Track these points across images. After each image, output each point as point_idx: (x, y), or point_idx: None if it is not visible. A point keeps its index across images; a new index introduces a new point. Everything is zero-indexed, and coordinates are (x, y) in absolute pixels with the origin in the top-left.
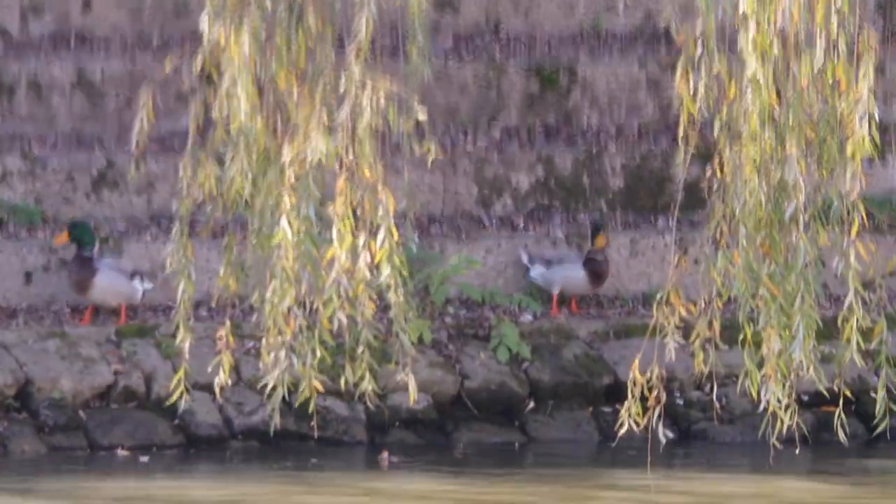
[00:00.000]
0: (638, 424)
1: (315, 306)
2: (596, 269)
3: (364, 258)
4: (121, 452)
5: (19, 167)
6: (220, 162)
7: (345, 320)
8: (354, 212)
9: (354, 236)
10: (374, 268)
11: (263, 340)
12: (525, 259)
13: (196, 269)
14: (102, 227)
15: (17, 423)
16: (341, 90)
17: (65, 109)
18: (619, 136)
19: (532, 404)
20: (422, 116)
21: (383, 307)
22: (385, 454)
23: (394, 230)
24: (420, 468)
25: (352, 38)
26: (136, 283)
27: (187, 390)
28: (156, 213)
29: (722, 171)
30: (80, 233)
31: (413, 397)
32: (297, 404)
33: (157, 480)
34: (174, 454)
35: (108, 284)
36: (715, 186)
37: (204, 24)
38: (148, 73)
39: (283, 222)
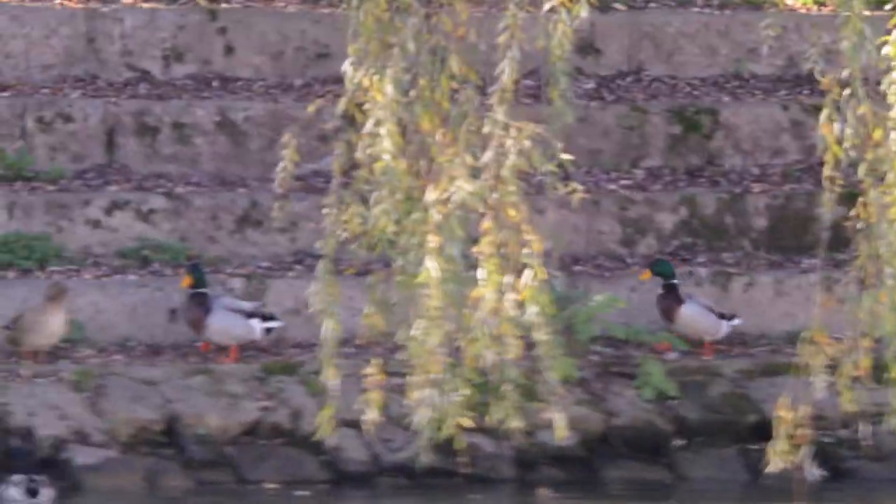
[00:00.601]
0: (786, 463)
1: (460, 344)
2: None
3: (510, 297)
4: (268, 486)
5: (164, 206)
6: (364, 202)
7: (493, 359)
8: (499, 251)
9: (500, 275)
10: (520, 306)
11: (409, 378)
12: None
13: (341, 307)
14: (246, 266)
15: (165, 458)
16: (485, 132)
17: (208, 150)
18: (763, 177)
19: (679, 442)
20: (566, 158)
21: (529, 345)
22: (544, 490)
23: (540, 270)
24: None
25: (495, 81)
26: (255, 322)
27: (334, 427)
28: (299, 251)
29: (867, 211)
30: (196, 273)
31: (561, 434)
32: (442, 441)
33: None
34: (323, 490)
35: (222, 325)
36: (860, 227)
37: (347, 67)
38: (290, 114)
39: (429, 262)
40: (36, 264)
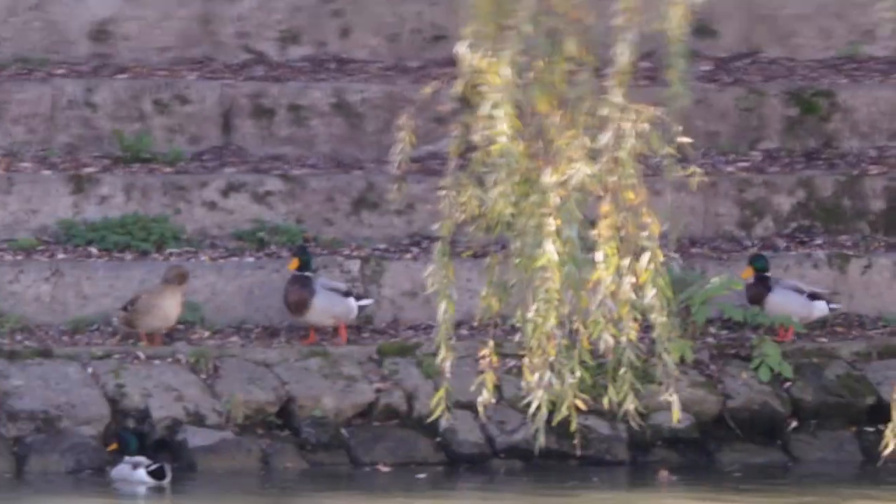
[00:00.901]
0: None
1: (576, 327)
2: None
3: (628, 280)
4: (382, 468)
5: (280, 188)
6: (481, 184)
7: (611, 342)
8: (618, 234)
9: (619, 258)
10: (639, 289)
11: (526, 360)
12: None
13: (457, 289)
14: (362, 248)
15: (280, 440)
16: (602, 115)
17: (324, 132)
18: (880, 159)
19: (794, 424)
20: (685, 140)
21: (645, 327)
22: (665, 472)
23: (658, 252)
24: (693, 487)
25: (611, 63)
26: (351, 301)
27: (449, 409)
28: (416, 233)
29: None
30: (304, 256)
31: (676, 416)
32: (555, 423)
33: (419, 498)
34: (437, 472)
35: (325, 304)
36: None
37: (463, 48)
38: (406, 96)
39: (548, 245)
40: (153, 246)
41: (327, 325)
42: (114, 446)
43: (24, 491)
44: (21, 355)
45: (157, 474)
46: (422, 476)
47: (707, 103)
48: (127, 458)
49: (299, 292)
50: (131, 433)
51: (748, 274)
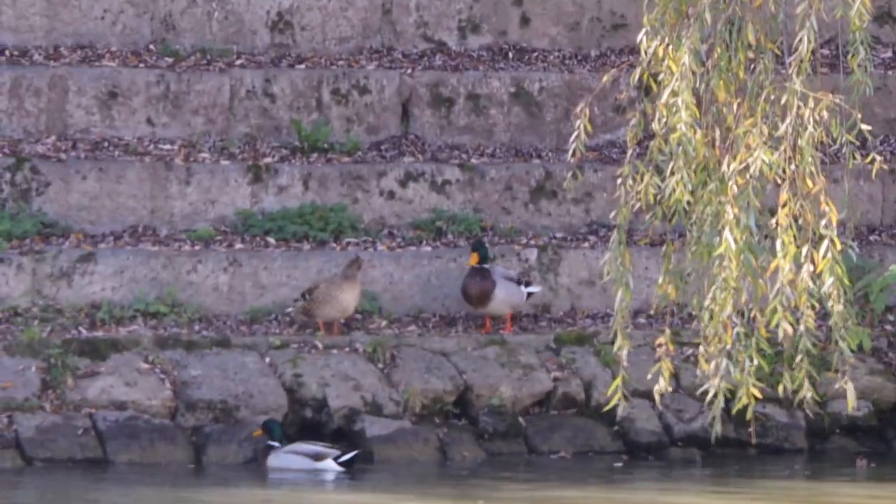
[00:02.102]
0: None
1: (753, 315)
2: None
3: (806, 268)
4: (559, 456)
5: (458, 177)
6: (658, 172)
7: (790, 330)
8: (796, 222)
9: (797, 247)
10: (816, 277)
11: (702, 348)
12: None
13: (633, 277)
14: (540, 237)
15: (457, 429)
16: (782, 103)
17: (503, 121)
18: None
19: None
20: (866, 128)
21: (822, 315)
22: (862, 460)
23: (836, 240)
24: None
25: (793, 51)
26: (522, 288)
27: (626, 397)
28: (593, 222)
29: None
30: (482, 250)
31: (852, 404)
32: (734, 411)
33: (596, 487)
34: (615, 460)
35: (505, 295)
36: None
37: (642, 37)
38: (586, 84)
39: (727, 233)
40: (330, 236)
41: (503, 313)
42: (259, 432)
43: (203, 481)
44: (199, 345)
45: (347, 464)
46: (618, 464)
47: (887, 90)
48: (299, 446)
49: (481, 284)
50: (275, 420)
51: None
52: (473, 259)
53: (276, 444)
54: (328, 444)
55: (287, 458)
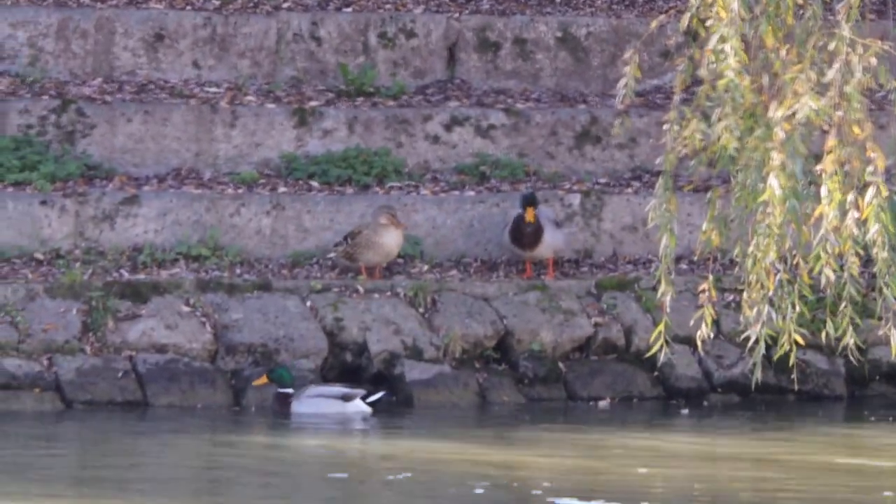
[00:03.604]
0: None
1: (796, 261)
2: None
3: (852, 215)
4: (599, 402)
5: (503, 122)
6: (705, 118)
7: (832, 276)
8: (842, 168)
9: (843, 193)
10: (861, 224)
11: (744, 294)
12: None
13: (677, 224)
14: (584, 182)
15: (497, 374)
16: (830, 49)
17: (549, 66)
18: None
19: None
20: None
21: (864, 262)
22: None
23: (883, 187)
24: None
25: None
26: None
27: (667, 343)
28: (637, 167)
29: None
30: (534, 202)
31: (895, 351)
32: (776, 358)
33: (635, 431)
34: (655, 406)
35: (551, 239)
36: None
37: None
38: (633, 30)
39: (772, 179)
40: (374, 180)
41: (546, 257)
42: (263, 380)
43: (241, 426)
44: (241, 288)
45: (373, 405)
46: (685, 412)
47: None
48: (320, 389)
49: (534, 226)
50: (283, 366)
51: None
52: (530, 214)
53: (289, 390)
54: (348, 385)
55: (314, 402)
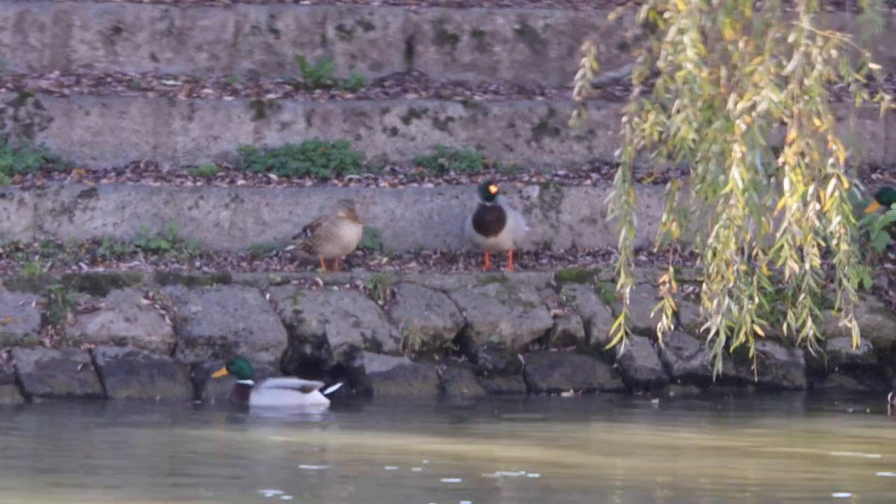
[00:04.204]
0: None
1: (755, 253)
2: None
3: (813, 207)
4: (564, 395)
5: (461, 114)
6: (663, 110)
7: (796, 268)
8: (803, 160)
9: (805, 185)
10: (822, 216)
11: (704, 286)
12: None
13: (637, 216)
14: (543, 174)
15: (457, 366)
16: (789, 41)
17: (507, 58)
18: None
19: None
20: (875, 67)
21: (824, 253)
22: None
23: (844, 179)
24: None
25: None
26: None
27: (627, 335)
28: (596, 159)
29: None
30: (487, 194)
31: (856, 342)
32: (733, 349)
33: (594, 423)
34: (614, 398)
35: (516, 225)
36: None
37: None
38: (591, 22)
39: (734, 171)
40: (333, 172)
41: (507, 247)
42: (222, 372)
43: (200, 418)
44: (200, 281)
45: (330, 396)
46: (655, 402)
47: (891, 28)
48: (278, 381)
49: (497, 213)
50: (243, 358)
51: (873, 208)
52: (494, 189)
53: (248, 382)
54: (306, 378)
55: (272, 394)
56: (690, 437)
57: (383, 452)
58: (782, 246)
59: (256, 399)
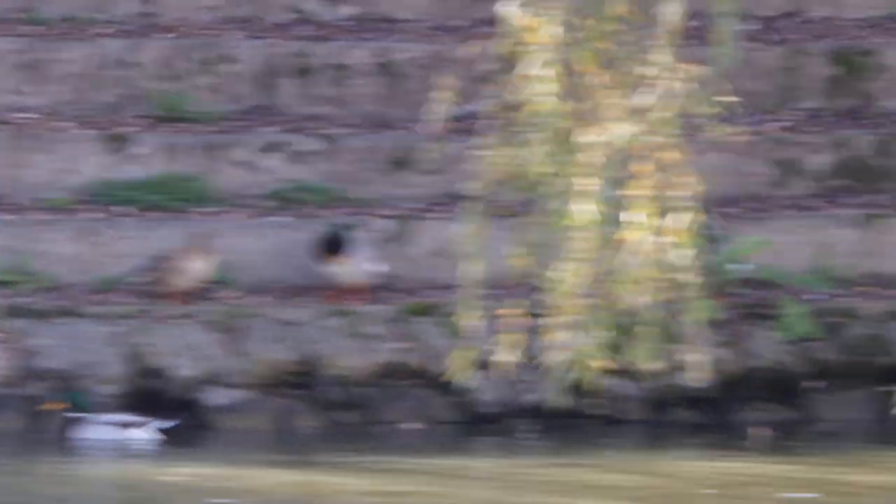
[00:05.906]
0: None
1: (600, 286)
2: None
3: (658, 239)
4: (401, 427)
5: (317, 148)
6: (516, 143)
7: (639, 302)
8: (653, 193)
9: (650, 218)
10: (670, 249)
11: (547, 319)
12: None
13: (483, 249)
14: (396, 207)
15: (301, 399)
16: (646, 75)
17: (367, 91)
18: None
19: (816, 384)
20: (730, 100)
21: (670, 287)
22: (755, 430)
23: (692, 212)
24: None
25: (658, 23)
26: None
27: (470, 368)
28: (449, 193)
29: None
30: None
31: (695, 376)
32: (576, 382)
33: (437, 456)
34: (455, 430)
35: (367, 255)
36: None
37: (505, 7)
38: (452, 55)
39: (578, 204)
40: (187, 205)
41: (359, 281)
42: (57, 405)
43: (33, 449)
44: (47, 314)
45: (164, 431)
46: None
47: (751, 63)
48: (105, 417)
49: (344, 245)
50: (81, 392)
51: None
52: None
53: (82, 415)
54: (137, 415)
55: (102, 429)
56: (528, 470)
57: (215, 486)
58: (625, 279)
59: (87, 433)
